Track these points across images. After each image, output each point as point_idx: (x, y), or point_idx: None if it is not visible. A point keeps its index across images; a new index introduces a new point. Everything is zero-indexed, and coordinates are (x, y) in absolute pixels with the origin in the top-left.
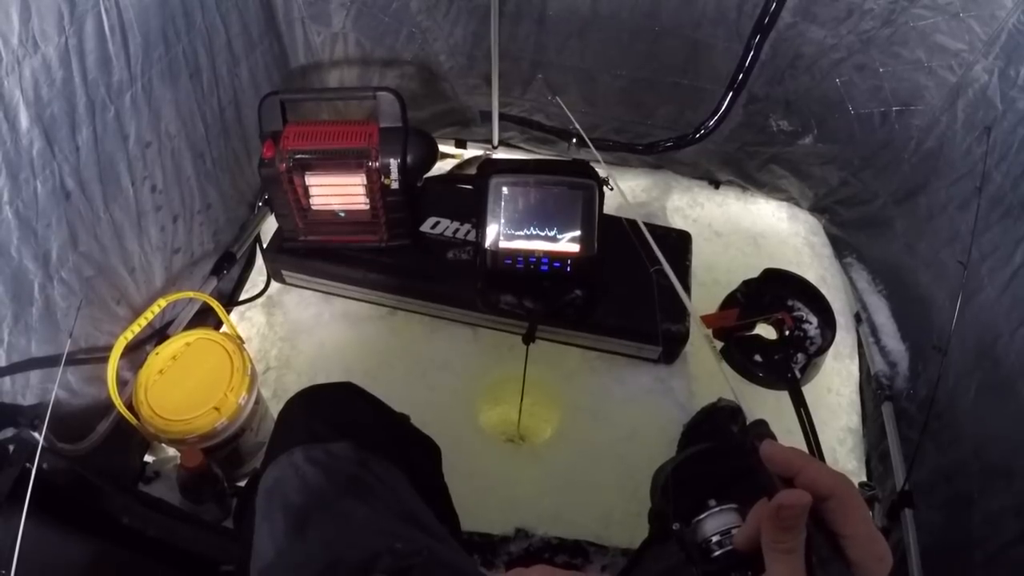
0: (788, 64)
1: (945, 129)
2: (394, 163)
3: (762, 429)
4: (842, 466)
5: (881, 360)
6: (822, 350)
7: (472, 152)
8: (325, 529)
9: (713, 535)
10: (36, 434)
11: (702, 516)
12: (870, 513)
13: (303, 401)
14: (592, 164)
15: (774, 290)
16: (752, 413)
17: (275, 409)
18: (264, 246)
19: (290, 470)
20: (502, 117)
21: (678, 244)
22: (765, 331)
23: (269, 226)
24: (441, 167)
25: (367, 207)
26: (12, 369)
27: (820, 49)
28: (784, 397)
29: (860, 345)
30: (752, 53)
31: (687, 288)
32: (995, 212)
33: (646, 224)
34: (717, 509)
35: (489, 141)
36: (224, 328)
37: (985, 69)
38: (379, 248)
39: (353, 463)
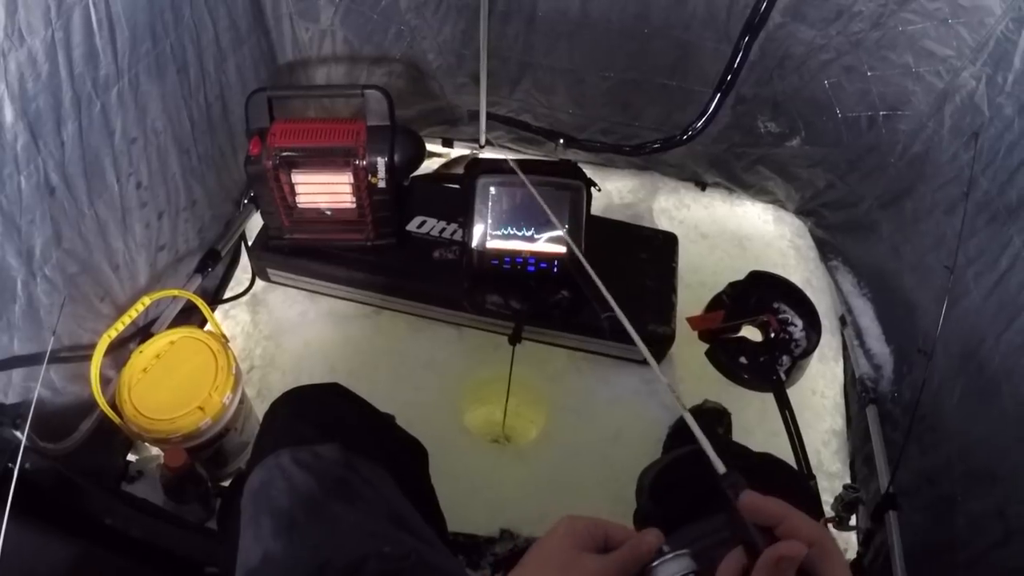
0: (776, 64)
1: (932, 134)
2: (381, 161)
3: (736, 480)
4: (826, 468)
5: (866, 363)
6: (807, 352)
7: (459, 151)
8: (312, 532)
9: None
10: (18, 433)
11: (655, 564)
12: (847, 561)
13: (288, 402)
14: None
15: (760, 292)
16: (737, 414)
17: (259, 408)
18: (249, 244)
19: (276, 472)
20: (490, 117)
21: (664, 246)
22: (751, 333)
23: (255, 223)
24: (428, 166)
25: (353, 205)
26: None
27: (809, 50)
28: (769, 399)
29: (845, 348)
30: (741, 54)
31: (673, 290)
32: (981, 217)
33: (632, 224)
34: (671, 556)
35: (476, 140)
36: (208, 326)
37: (973, 75)
38: (365, 247)
39: (340, 465)
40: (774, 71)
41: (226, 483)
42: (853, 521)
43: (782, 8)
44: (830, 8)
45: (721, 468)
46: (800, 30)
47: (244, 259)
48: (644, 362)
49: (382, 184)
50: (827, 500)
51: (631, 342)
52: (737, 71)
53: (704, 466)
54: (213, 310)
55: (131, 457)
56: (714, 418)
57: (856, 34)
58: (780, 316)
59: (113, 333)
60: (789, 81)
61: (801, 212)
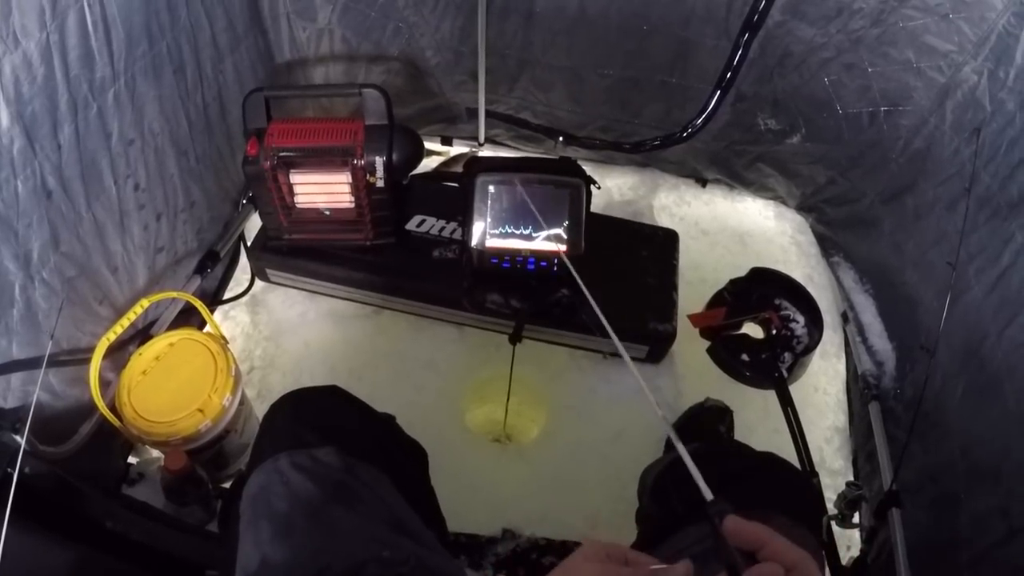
0: (777, 63)
1: (933, 130)
2: (379, 161)
3: (722, 507)
4: (829, 465)
5: (868, 360)
6: (809, 349)
7: (458, 149)
8: (311, 537)
9: None
10: (18, 437)
11: None
12: None
13: (287, 405)
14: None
15: (761, 289)
16: (739, 411)
17: (259, 409)
18: (248, 244)
19: (275, 476)
20: (488, 114)
21: (665, 243)
22: (752, 330)
23: (253, 224)
24: (427, 164)
25: (352, 205)
26: None
27: (809, 48)
28: (771, 396)
29: (847, 344)
30: (741, 51)
31: (674, 287)
32: (983, 213)
33: (632, 222)
34: None
35: (475, 138)
36: (208, 328)
37: (974, 70)
38: (364, 246)
39: (339, 469)
40: (774, 69)
41: (227, 485)
42: (856, 518)
43: (781, 6)
44: (830, 6)
45: (709, 495)
46: (800, 28)
47: (243, 260)
48: (645, 360)
49: (381, 183)
50: (830, 497)
51: (632, 340)
52: (737, 69)
53: (706, 465)
54: (212, 311)
55: (131, 460)
56: (716, 416)
57: (856, 31)
58: (782, 313)
59: (112, 336)
60: (789, 79)
61: (802, 208)
